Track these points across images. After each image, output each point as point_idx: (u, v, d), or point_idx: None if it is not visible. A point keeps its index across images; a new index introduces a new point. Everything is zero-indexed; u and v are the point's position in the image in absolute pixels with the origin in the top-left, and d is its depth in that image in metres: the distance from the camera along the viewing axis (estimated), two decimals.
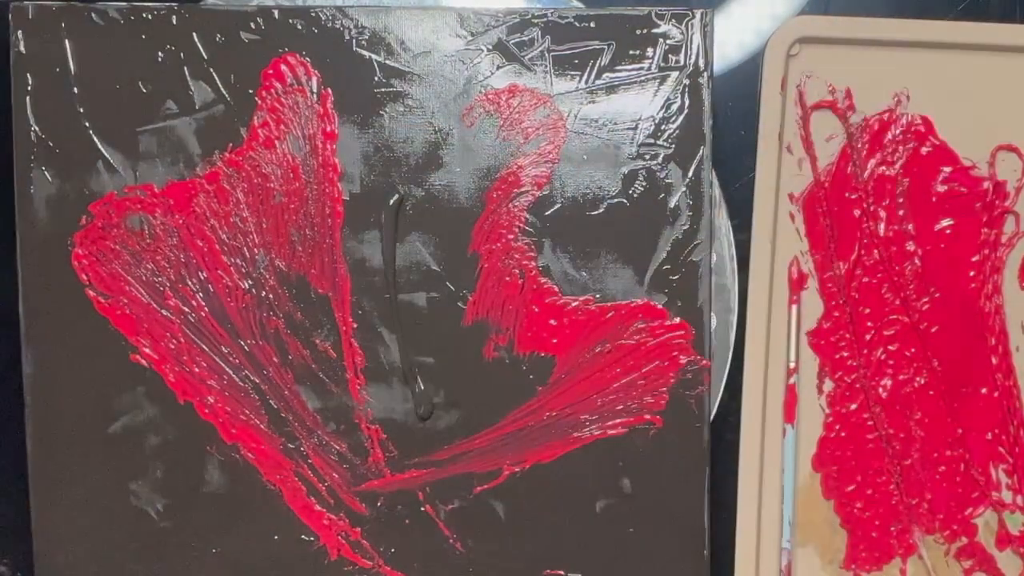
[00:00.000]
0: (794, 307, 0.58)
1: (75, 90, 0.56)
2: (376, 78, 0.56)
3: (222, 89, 0.56)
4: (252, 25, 0.55)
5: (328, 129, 0.56)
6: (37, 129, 0.56)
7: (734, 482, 0.57)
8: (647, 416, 0.56)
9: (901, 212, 0.58)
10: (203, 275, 0.56)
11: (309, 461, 0.57)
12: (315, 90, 0.56)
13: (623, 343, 0.56)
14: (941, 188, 0.58)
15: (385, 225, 0.55)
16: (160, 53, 0.55)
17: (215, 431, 0.57)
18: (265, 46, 0.55)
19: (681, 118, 0.55)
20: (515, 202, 0.56)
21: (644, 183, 0.55)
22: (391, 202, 0.55)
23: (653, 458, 0.56)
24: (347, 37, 0.55)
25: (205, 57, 0.56)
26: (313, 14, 0.55)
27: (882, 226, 0.58)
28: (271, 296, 0.56)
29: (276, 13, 0.55)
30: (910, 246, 0.58)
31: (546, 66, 0.55)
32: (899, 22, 0.57)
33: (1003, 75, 0.57)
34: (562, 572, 0.57)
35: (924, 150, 0.58)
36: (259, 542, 0.57)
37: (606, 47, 0.55)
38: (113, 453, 0.57)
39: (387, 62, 0.56)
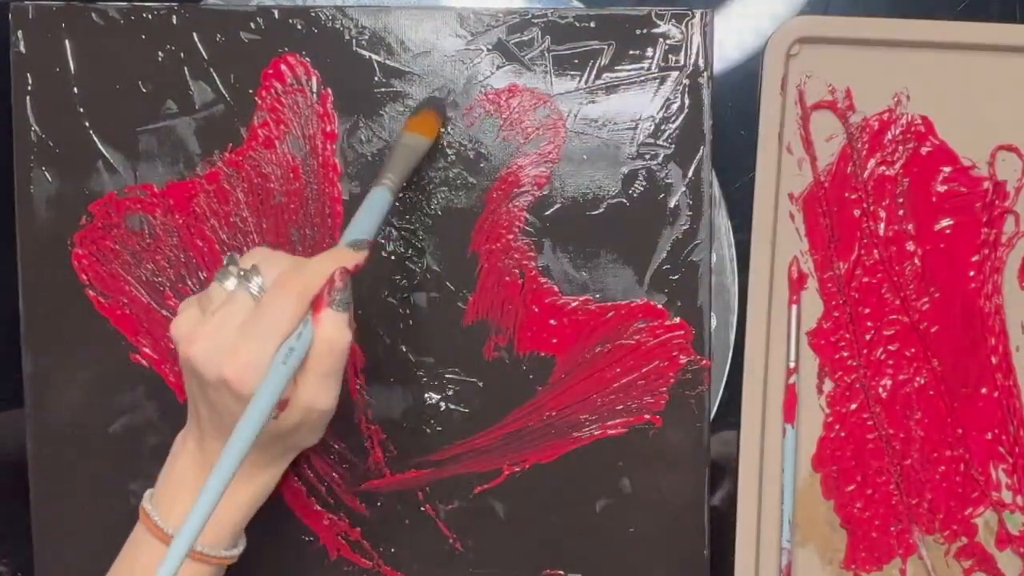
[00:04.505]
0: (794, 307, 0.58)
1: (75, 90, 0.56)
2: (376, 78, 0.56)
3: (222, 89, 0.56)
4: (252, 25, 0.55)
5: (328, 129, 0.56)
6: (37, 129, 0.56)
7: (734, 482, 0.57)
8: (647, 416, 0.56)
9: (901, 212, 0.58)
10: (203, 275, 0.56)
11: (309, 461, 0.57)
12: (315, 90, 0.56)
13: (623, 343, 0.56)
14: (941, 188, 0.58)
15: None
16: (160, 53, 0.55)
17: None
18: (265, 46, 0.55)
19: (681, 118, 0.55)
20: (515, 202, 0.56)
21: (644, 183, 0.55)
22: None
23: (653, 458, 0.56)
24: (347, 37, 0.55)
25: (205, 57, 0.56)
26: (313, 14, 0.55)
27: (882, 226, 0.58)
28: None
29: (276, 13, 0.55)
30: (910, 246, 0.58)
31: (546, 66, 0.55)
32: (899, 22, 0.57)
33: (1003, 75, 0.57)
34: (562, 572, 0.57)
35: (924, 150, 0.58)
36: (259, 542, 0.57)
37: (606, 47, 0.55)
38: (113, 453, 0.57)
39: (387, 62, 0.56)
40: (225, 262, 0.46)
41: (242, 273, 0.45)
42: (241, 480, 0.48)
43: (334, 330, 0.45)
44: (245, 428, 0.41)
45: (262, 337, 0.43)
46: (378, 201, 0.49)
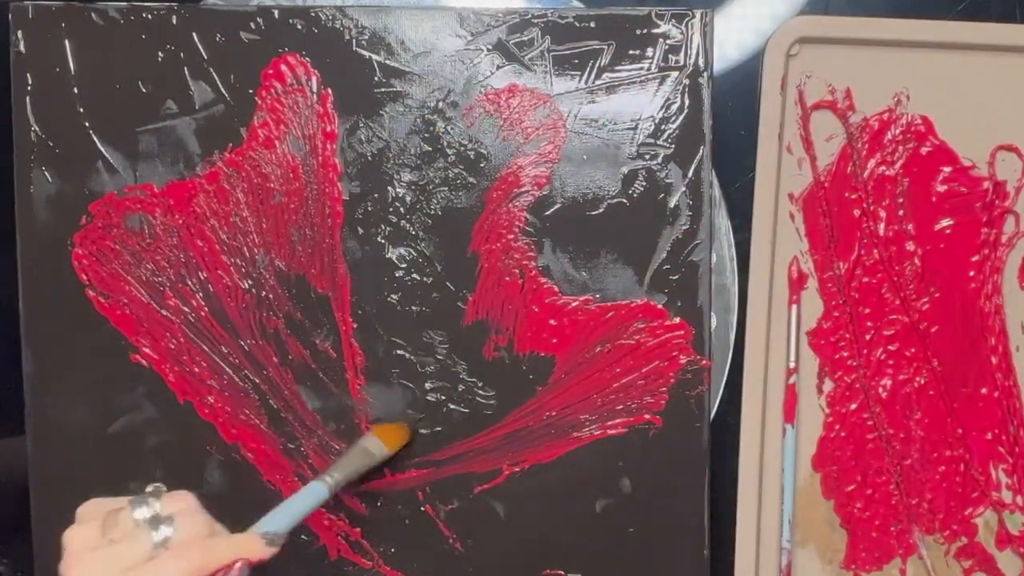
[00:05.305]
0: (794, 307, 0.58)
1: (75, 90, 0.56)
2: (376, 78, 0.56)
3: (222, 89, 0.56)
4: (252, 25, 0.55)
5: (328, 129, 0.56)
6: (37, 129, 0.56)
7: (734, 482, 0.57)
8: (647, 416, 0.56)
9: (901, 212, 0.58)
10: (203, 275, 0.56)
11: (309, 461, 0.57)
12: (315, 90, 0.56)
13: (623, 343, 0.56)
14: (941, 188, 0.58)
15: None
16: (160, 53, 0.55)
17: (215, 431, 0.57)
18: (265, 46, 0.55)
19: (681, 118, 0.55)
20: (515, 202, 0.56)
21: (644, 183, 0.55)
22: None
23: (653, 458, 0.56)
24: (347, 37, 0.55)
25: (205, 57, 0.56)
26: (313, 14, 0.55)
27: (882, 226, 0.58)
28: (271, 296, 0.56)
29: (276, 13, 0.55)
30: (910, 246, 0.58)
31: (546, 66, 0.55)
32: (899, 22, 0.57)
33: (1003, 75, 0.57)
34: (562, 572, 0.57)
35: (924, 150, 0.58)
36: None
37: (606, 47, 0.55)
38: (113, 453, 0.57)
39: (387, 62, 0.56)
40: (148, 490, 0.43)
41: (154, 515, 0.42)
42: None
43: None
44: None
45: None
46: (311, 496, 0.48)
